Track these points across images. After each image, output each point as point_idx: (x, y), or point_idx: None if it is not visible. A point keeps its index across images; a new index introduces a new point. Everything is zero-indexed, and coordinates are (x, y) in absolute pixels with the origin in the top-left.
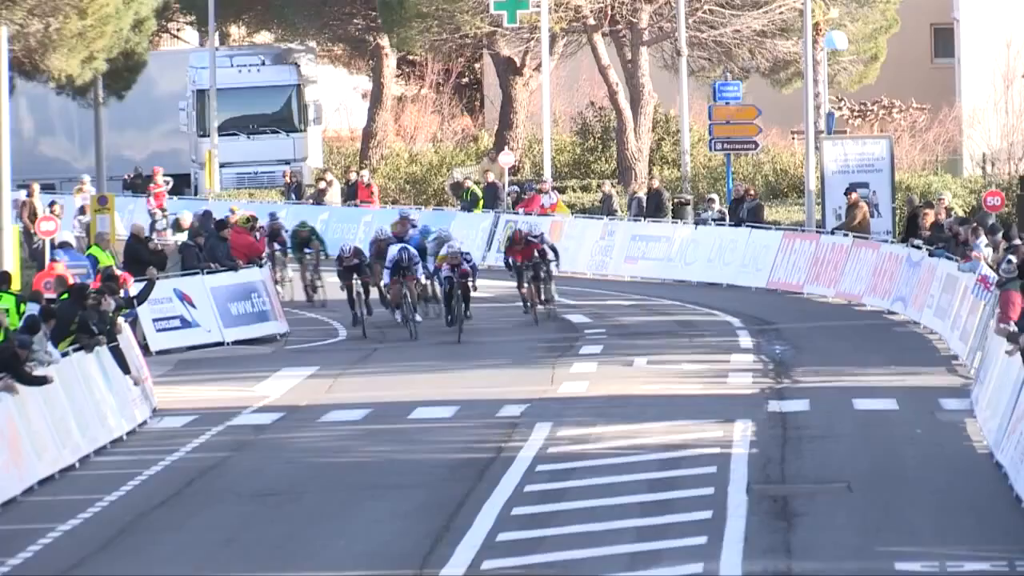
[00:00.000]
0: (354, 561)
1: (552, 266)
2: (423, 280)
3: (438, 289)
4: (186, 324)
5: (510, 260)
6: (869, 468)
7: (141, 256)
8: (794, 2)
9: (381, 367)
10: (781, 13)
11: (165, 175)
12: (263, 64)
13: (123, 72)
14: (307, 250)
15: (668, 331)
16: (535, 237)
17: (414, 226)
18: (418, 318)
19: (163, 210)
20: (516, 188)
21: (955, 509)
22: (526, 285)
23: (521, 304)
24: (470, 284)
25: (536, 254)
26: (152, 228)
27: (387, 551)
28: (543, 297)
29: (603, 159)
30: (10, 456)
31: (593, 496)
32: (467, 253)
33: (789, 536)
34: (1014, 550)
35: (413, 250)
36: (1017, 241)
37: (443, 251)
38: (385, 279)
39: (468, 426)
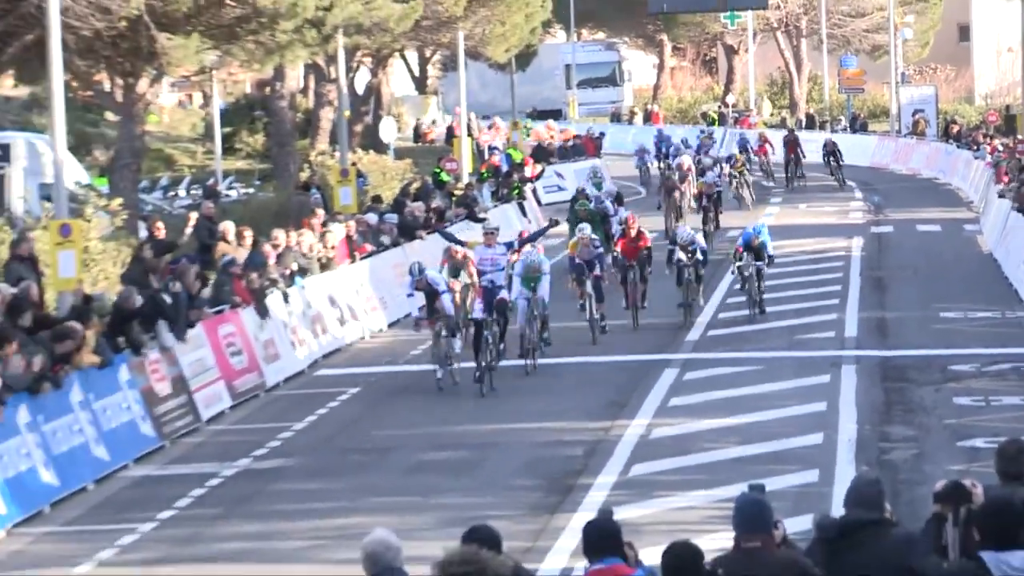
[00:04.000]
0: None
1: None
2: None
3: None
4: (560, 189)
5: (575, 258)
6: (925, 261)
7: (542, 156)
8: (883, 14)
9: None
10: (877, 20)
11: (543, 111)
12: (600, 50)
13: (525, 56)
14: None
15: (817, 189)
16: (690, 245)
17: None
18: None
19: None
20: (736, 113)
21: (973, 284)
22: (582, 285)
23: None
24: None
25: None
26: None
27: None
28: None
29: (781, 99)
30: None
31: (771, 279)
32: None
33: (883, 298)
34: (1004, 307)
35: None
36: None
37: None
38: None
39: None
